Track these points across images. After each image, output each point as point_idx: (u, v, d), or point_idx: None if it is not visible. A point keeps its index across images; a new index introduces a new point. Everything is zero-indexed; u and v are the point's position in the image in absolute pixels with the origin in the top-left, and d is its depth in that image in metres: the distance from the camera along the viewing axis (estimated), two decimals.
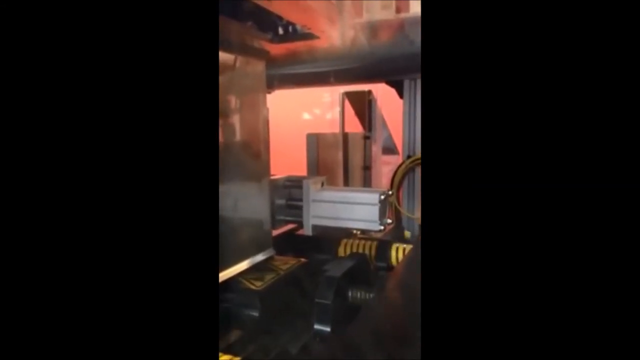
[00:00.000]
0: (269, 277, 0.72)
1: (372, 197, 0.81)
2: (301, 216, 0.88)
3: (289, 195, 0.92)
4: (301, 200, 0.88)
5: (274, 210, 0.89)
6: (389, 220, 0.84)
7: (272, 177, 0.88)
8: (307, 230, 0.88)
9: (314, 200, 0.87)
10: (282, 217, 0.92)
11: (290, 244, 0.96)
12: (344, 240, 0.93)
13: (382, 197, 0.81)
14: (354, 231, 0.97)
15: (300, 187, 0.88)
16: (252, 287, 0.69)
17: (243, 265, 0.76)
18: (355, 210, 0.83)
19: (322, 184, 0.91)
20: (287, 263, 0.80)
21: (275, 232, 0.93)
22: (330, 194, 0.86)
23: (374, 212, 0.81)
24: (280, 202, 0.92)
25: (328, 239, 0.94)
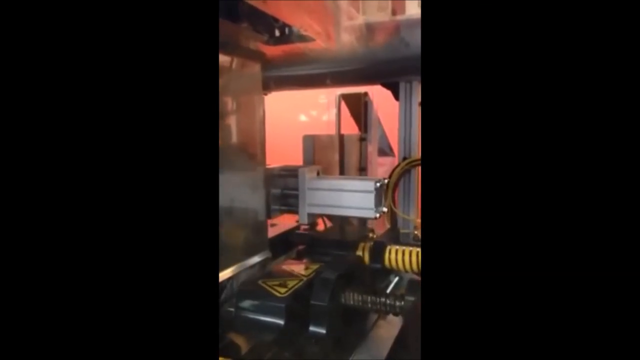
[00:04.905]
0: (292, 284, 0.71)
1: (367, 185, 0.81)
2: (296, 205, 0.88)
3: (285, 185, 0.91)
4: (296, 189, 0.88)
5: (269, 201, 0.89)
6: (385, 209, 0.85)
7: (268, 167, 0.88)
8: (302, 219, 0.88)
9: (309, 189, 0.86)
10: (277, 207, 0.92)
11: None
12: (362, 244, 0.93)
13: (378, 184, 0.81)
14: (369, 234, 0.95)
15: (295, 176, 0.88)
16: (277, 294, 0.68)
17: (239, 267, 0.76)
18: (351, 197, 0.83)
19: (318, 173, 0.91)
20: (308, 268, 0.79)
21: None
22: (326, 182, 0.86)
23: (370, 199, 0.81)
24: (276, 191, 0.91)
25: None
